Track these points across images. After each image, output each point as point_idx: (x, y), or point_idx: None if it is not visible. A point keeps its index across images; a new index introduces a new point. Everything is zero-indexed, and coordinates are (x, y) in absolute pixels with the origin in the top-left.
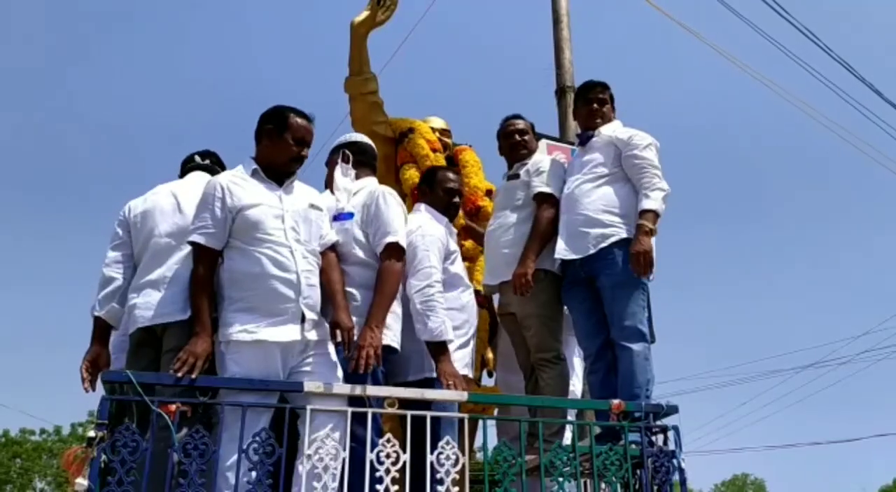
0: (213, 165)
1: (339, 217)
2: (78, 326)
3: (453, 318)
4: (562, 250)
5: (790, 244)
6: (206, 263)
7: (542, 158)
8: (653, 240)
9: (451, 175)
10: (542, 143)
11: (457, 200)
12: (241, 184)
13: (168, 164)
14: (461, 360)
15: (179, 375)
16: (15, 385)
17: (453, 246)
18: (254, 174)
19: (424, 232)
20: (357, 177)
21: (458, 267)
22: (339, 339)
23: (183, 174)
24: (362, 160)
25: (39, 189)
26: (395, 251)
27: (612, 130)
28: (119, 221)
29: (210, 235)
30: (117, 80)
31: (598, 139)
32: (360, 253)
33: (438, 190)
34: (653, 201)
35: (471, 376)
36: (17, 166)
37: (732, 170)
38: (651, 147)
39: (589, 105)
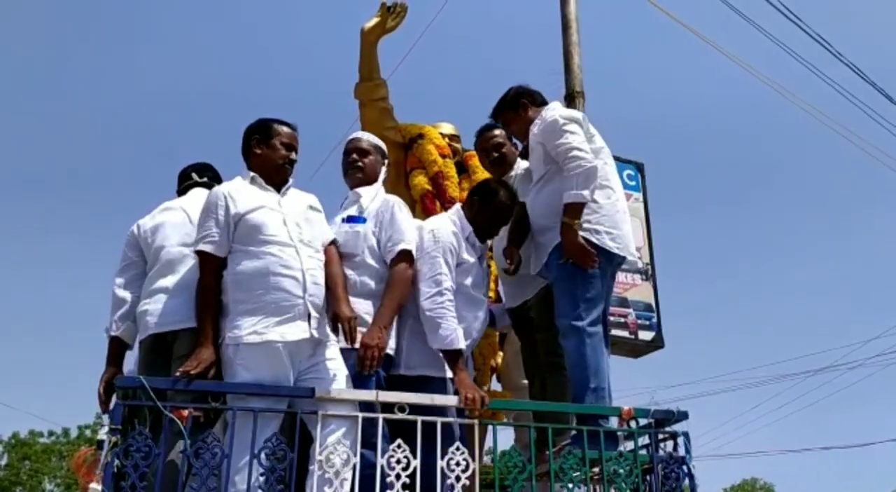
0: (211, 181)
1: (352, 219)
2: (86, 328)
3: None
4: (533, 267)
5: (801, 248)
6: (211, 272)
7: (517, 172)
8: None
9: (511, 208)
10: None
11: (497, 229)
12: (241, 191)
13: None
14: None
15: (191, 372)
16: (23, 387)
17: (468, 256)
18: (252, 182)
19: (437, 236)
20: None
21: (468, 279)
22: (340, 330)
23: (182, 191)
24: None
25: (55, 184)
26: (408, 259)
27: (535, 129)
28: (128, 242)
29: (215, 243)
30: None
31: (530, 144)
32: (371, 261)
33: (496, 213)
34: (572, 195)
35: None
36: (25, 162)
37: (742, 171)
38: (561, 130)
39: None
